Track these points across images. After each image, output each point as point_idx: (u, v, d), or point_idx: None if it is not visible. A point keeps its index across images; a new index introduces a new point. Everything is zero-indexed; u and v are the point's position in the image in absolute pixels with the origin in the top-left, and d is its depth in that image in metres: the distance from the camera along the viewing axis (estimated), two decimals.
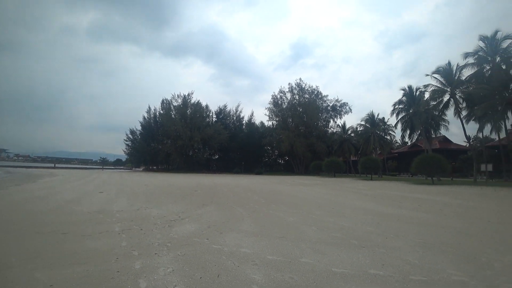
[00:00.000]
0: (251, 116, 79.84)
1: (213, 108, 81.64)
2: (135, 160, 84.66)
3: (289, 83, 73.77)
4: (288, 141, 60.25)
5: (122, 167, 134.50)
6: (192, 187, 19.69)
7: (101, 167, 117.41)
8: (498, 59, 28.31)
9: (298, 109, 65.02)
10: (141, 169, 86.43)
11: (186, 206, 10.29)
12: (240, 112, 78.54)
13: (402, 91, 38.76)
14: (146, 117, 75.59)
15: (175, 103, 70.96)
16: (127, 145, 76.80)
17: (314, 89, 67.01)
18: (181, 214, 8.50)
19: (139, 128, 75.83)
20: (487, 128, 29.29)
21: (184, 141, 64.32)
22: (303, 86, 66.70)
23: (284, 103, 67.60)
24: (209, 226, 6.92)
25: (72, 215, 8.04)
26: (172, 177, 37.38)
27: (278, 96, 67.93)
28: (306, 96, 66.42)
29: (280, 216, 8.58)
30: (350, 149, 54.20)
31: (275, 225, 7.19)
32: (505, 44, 28.00)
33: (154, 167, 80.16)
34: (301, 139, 60.28)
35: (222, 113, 77.27)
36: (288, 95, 67.30)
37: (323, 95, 67.55)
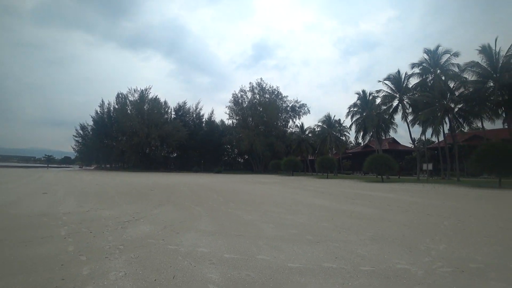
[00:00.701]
0: (211, 114, 79.27)
1: (172, 104, 79.41)
2: (86, 158, 79.18)
3: (250, 83, 74.75)
4: (248, 140, 60.66)
5: (71, 165, 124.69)
6: (148, 187, 18.91)
7: (46, 165, 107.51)
8: (438, 71, 31.42)
9: (259, 108, 65.76)
10: (92, 167, 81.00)
11: (142, 206, 9.84)
12: (200, 109, 77.41)
13: (357, 95, 41.24)
14: (99, 112, 70.86)
15: (131, 98, 67.67)
16: (77, 141, 71.50)
17: (274, 89, 68.39)
18: (135, 215, 8.11)
19: (91, 123, 71.05)
20: (429, 131, 32.53)
21: (140, 138, 61.47)
22: (263, 86, 67.71)
23: (245, 102, 67.95)
24: (165, 226, 6.69)
25: (8, 220, 7.23)
26: (127, 176, 35.58)
27: (239, 95, 68.17)
28: (267, 96, 67.50)
29: (239, 214, 8.59)
30: (308, 149, 56.22)
31: (233, 223, 7.18)
32: (444, 57, 31.35)
33: (107, 166, 75.57)
34: (261, 138, 61.08)
35: (181, 110, 75.28)
36: (249, 94, 67.82)
37: (283, 95, 69.29)
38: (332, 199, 13.28)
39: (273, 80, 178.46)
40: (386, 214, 9.06)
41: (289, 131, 69.02)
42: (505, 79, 25.03)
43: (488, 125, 31.16)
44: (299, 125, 64.02)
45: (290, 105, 69.12)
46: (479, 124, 31.21)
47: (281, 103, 68.68)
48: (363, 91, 40.41)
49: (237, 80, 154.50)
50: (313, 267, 4.04)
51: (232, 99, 68.69)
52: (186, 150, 72.10)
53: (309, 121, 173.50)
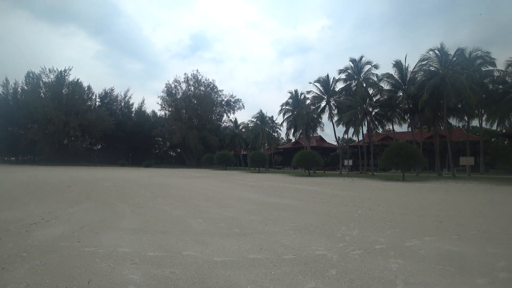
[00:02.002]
0: (142, 103, 73.97)
1: (98, 90, 71.80)
2: None
3: (185, 73, 71.72)
4: (180, 133, 58.57)
5: None
6: (65, 182, 16.89)
7: None
8: (361, 78, 35.34)
9: (193, 100, 63.98)
10: None
11: (55, 205, 8.75)
12: (130, 98, 71.31)
13: (289, 94, 43.41)
14: (2, 93, 58.51)
15: (45, 79, 57.84)
16: None
17: (210, 82, 67.26)
18: (46, 215, 7.18)
19: None
20: (351, 131, 36.36)
21: (56, 126, 52.96)
22: (199, 78, 65.98)
23: (179, 93, 65.34)
24: (82, 226, 6.08)
25: None
26: (39, 171, 31.12)
27: (173, 85, 65.14)
28: (202, 88, 66.05)
29: (166, 210, 8.32)
30: (241, 144, 57.13)
31: (159, 220, 6.92)
32: (366, 67, 35.65)
33: (13, 158, 64.22)
34: (194, 132, 59.62)
35: (108, 97, 68.24)
36: (184, 86, 65.39)
37: (218, 89, 68.58)
38: (262, 193, 13.79)
39: (209, 73, 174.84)
40: (309, 205, 9.81)
41: (223, 125, 68.90)
42: (411, 91, 29.45)
43: (397, 128, 36.81)
44: (233, 120, 64.46)
45: (225, 100, 68.98)
46: (391, 127, 36.58)
47: (216, 97, 68.03)
48: (295, 91, 42.79)
49: (171, 69, 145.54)
50: (238, 260, 4.16)
51: (165, 89, 65.30)
52: (112, 142, 65.73)
53: (244, 116, 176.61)
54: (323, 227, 6.35)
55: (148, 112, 73.31)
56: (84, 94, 60.68)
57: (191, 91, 64.96)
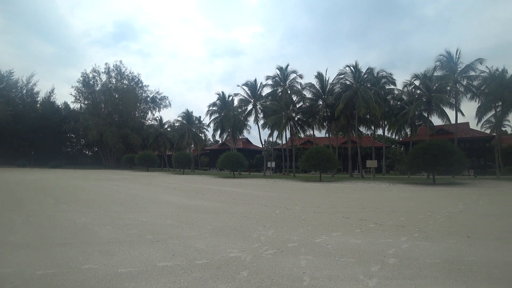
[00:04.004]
0: (51, 93, 63.23)
1: None
2: None
3: (106, 64, 64.10)
4: (97, 129, 52.49)
5: None
6: None
7: None
8: (286, 85, 37.39)
9: (114, 94, 58.19)
10: None
11: None
12: (35, 85, 59.82)
13: (217, 95, 43.12)
14: None
15: None
16: None
17: (135, 76, 62.12)
18: None
19: None
20: (275, 134, 38.03)
21: None
22: (123, 71, 60.24)
23: (98, 85, 58.57)
24: None
25: None
26: None
27: (91, 76, 57.93)
28: (125, 82, 60.52)
29: (70, 218, 7.28)
30: (166, 144, 54.21)
31: (59, 230, 5.99)
32: (292, 76, 38.20)
33: None
34: (114, 129, 54.26)
35: (4, 81, 56.17)
36: (104, 77, 58.82)
37: (144, 84, 63.84)
38: (182, 195, 13.28)
39: (134, 66, 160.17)
40: (230, 207, 9.78)
41: (147, 123, 64.30)
42: (329, 100, 32.77)
43: (317, 133, 39.89)
44: (158, 118, 60.63)
45: (151, 96, 64.39)
46: (311, 132, 39.42)
47: (141, 92, 63.04)
48: (223, 93, 42.81)
49: (90, 57, 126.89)
50: (146, 269, 3.80)
51: (81, 79, 57.50)
52: (9, 137, 54.19)
53: (170, 115, 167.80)
54: (240, 229, 6.35)
55: (59, 104, 63.75)
56: None
57: (113, 83, 58.99)
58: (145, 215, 7.84)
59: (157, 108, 65.14)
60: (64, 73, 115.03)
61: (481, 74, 29.63)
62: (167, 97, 66.42)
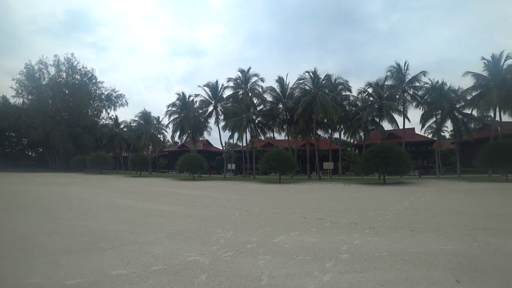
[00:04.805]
0: None
1: None
2: None
3: (56, 56, 56.78)
4: (43, 128, 47.68)
5: None
6: None
7: None
8: (247, 88, 37.74)
9: (64, 90, 53.51)
10: None
11: None
12: None
13: (177, 95, 41.97)
14: None
15: None
16: None
17: (88, 71, 57.48)
18: None
19: None
20: (236, 136, 38.14)
21: None
22: (74, 64, 55.39)
23: (44, 79, 53.35)
24: None
25: None
26: None
27: (36, 68, 52.58)
28: (77, 77, 55.83)
29: (9, 227, 6.61)
30: (122, 144, 51.24)
31: None
32: (253, 79, 38.53)
33: None
34: (63, 128, 49.84)
35: None
36: (52, 70, 53.73)
37: (98, 80, 59.42)
38: (139, 199, 12.76)
39: (88, 60, 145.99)
40: (189, 210, 9.61)
41: (101, 122, 60.25)
42: (289, 104, 33.87)
43: (277, 136, 40.80)
44: (113, 117, 56.96)
45: (106, 93, 60.00)
46: (272, 134, 40.23)
47: (94, 89, 58.58)
48: (183, 93, 41.73)
49: (36, 47, 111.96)
50: (98, 279, 3.60)
51: (24, 71, 51.94)
52: None
53: (127, 114, 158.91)
54: (199, 232, 6.28)
55: None
56: None
57: (63, 78, 54.18)
58: (98, 221, 7.40)
59: (113, 107, 61.14)
60: (3, 63, 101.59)
61: (425, 85, 33.25)
62: (124, 95, 62.50)
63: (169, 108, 41.70)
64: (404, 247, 4.93)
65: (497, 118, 29.68)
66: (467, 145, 37.80)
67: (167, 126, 46.70)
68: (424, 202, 11.49)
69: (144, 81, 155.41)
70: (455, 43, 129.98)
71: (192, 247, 5.04)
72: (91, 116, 58.80)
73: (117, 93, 61.25)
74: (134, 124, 51.14)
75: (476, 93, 29.88)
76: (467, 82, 59.90)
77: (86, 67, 57.78)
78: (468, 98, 30.66)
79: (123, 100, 61.77)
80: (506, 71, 28.22)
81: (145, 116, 48.85)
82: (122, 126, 54.43)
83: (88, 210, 9.29)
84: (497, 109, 28.85)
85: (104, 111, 61.53)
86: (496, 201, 11.71)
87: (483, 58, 29.06)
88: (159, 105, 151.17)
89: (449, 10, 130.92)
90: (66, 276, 3.70)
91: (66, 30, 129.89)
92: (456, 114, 32.06)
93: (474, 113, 32.28)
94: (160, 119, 51.63)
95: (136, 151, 47.53)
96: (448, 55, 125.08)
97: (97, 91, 59.38)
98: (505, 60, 28.13)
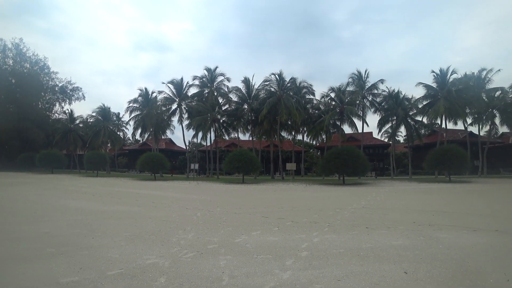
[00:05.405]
0: None
1: None
2: None
3: (1, 40, 51.63)
4: None
5: None
6: None
7: None
8: (213, 87, 37.31)
9: (10, 79, 48.17)
10: None
11: None
12: None
13: (140, 91, 40.21)
14: None
15: None
16: None
17: (40, 59, 51.77)
18: None
19: None
20: (200, 136, 37.55)
21: None
22: (23, 51, 50.03)
23: None
24: None
25: None
26: None
27: None
28: (26, 65, 50.30)
29: None
30: (77, 141, 47.71)
31: None
32: (219, 78, 38.09)
33: None
34: (8, 122, 45.07)
35: None
36: None
37: (51, 71, 54.24)
38: (95, 200, 12.05)
39: (40, 48, 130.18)
40: (149, 211, 9.28)
41: (53, 117, 55.38)
42: (254, 105, 34.16)
43: (242, 136, 40.70)
44: (68, 111, 52.57)
45: (60, 85, 54.75)
46: (236, 135, 40.18)
47: (47, 80, 52.96)
48: (146, 89, 39.99)
49: None
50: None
51: None
52: None
53: (84, 109, 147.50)
54: (159, 234, 6.10)
55: None
56: None
57: (9, 65, 48.59)
58: (47, 225, 6.86)
59: (68, 100, 55.91)
60: None
61: (383, 93, 35.80)
62: (81, 88, 57.40)
63: (131, 104, 39.85)
64: (359, 244, 5.22)
65: (443, 125, 33.21)
66: (418, 149, 41.18)
67: (127, 123, 44.38)
68: (379, 201, 12.24)
69: (104, 74, 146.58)
70: (410, 55, 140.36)
71: (151, 250, 4.87)
72: (42, 109, 53.71)
73: (73, 85, 56.28)
74: (91, 120, 47.89)
75: (426, 102, 33.54)
76: (419, 92, 65.29)
77: (37, 54, 52.20)
78: (420, 106, 34.36)
79: (80, 93, 56.97)
80: (451, 84, 32.13)
81: (104, 111, 46.03)
82: (77, 121, 50.66)
83: (35, 213, 8.58)
84: (444, 118, 32.21)
85: (57, 105, 56.22)
86: (440, 199, 12.81)
87: (433, 71, 33.00)
88: (119, 100, 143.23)
89: (406, 25, 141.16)
90: (9, 286, 3.39)
91: (14, 12, 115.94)
92: (409, 120, 35.03)
93: (425, 120, 35.92)
94: (121, 116, 49.16)
95: (93, 149, 44.69)
96: (404, 66, 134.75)
97: (50, 82, 54.12)
98: (451, 74, 32.21)
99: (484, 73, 32.55)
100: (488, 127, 34.91)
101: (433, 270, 3.85)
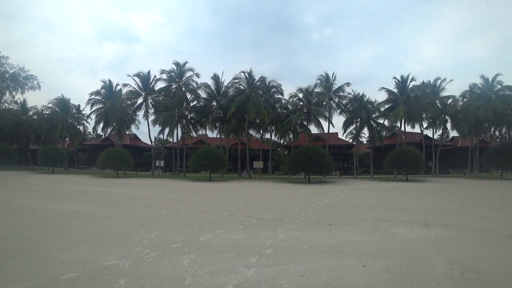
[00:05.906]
0: None
1: None
2: None
3: None
4: None
5: None
6: None
7: None
8: (181, 82, 36.52)
9: None
10: None
11: None
12: None
13: (103, 83, 38.09)
14: None
15: None
16: None
17: None
18: None
19: None
20: (167, 132, 36.68)
21: None
22: None
23: None
24: None
25: None
26: None
27: None
28: None
29: None
30: (30, 135, 44.00)
31: None
32: (188, 74, 37.24)
33: None
34: None
35: None
36: None
37: (1, 55, 49.33)
38: (49, 199, 11.27)
39: None
40: (110, 210, 8.87)
41: (2, 107, 50.38)
42: (223, 103, 33.95)
43: (209, 133, 40.41)
44: (20, 101, 48.21)
45: (11, 72, 49.98)
46: (204, 132, 39.70)
47: None
48: (110, 81, 37.94)
49: None
50: None
51: None
52: None
53: (39, 99, 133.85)
54: (120, 233, 5.86)
55: None
56: None
57: None
58: None
59: (20, 89, 50.59)
60: None
61: (348, 95, 37.31)
62: (36, 76, 51.91)
63: (93, 97, 37.58)
64: (322, 240, 5.41)
65: (403, 128, 35.79)
66: (379, 150, 43.47)
67: (89, 116, 41.78)
68: (342, 199, 12.75)
69: (64, 63, 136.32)
70: (375, 61, 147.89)
71: (111, 250, 4.66)
72: None
73: (26, 73, 50.97)
74: (47, 112, 44.30)
75: (388, 106, 35.96)
76: (382, 96, 69.59)
77: None
78: (382, 110, 36.69)
79: (35, 82, 51.68)
80: (411, 90, 34.68)
81: (62, 103, 42.88)
82: (31, 113, 46.63)
83: None
84: (403, 121, 34.62)
85: (8, 93, 50.98)
86: (397, 197, 13.64)
87: (395, 78, 35.59)
88: (80, 92, 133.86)
89: (372, 33, 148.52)
90: None
91: None
92: (372, 123, 36.98)
93: (386, 123, 38.10)
94: (81, 108, 46.06)
95: (48, 143, 41.61)
96: (369, 71, 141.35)
97: (0, 68, 49.53)
98: (410, 81, 34.78)
99: (438, 82, 35.89)
100: (440, 131, 38.10)
101: (389, 262, 4.10)
